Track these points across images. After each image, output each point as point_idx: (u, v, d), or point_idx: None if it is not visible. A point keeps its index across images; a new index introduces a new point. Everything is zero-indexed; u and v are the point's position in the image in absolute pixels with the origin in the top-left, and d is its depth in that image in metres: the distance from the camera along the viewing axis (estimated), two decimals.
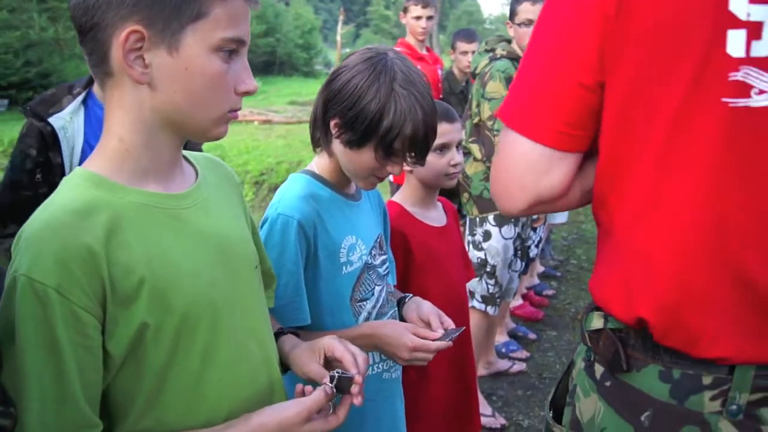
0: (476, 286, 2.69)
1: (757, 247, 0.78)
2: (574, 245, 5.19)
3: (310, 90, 19.58)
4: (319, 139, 1.24)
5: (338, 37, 25.64)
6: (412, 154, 1.19)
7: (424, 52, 3.64)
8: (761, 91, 0.74)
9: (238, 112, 0.85)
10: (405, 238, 1.53)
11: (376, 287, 1.29)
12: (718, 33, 0.75)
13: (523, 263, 2.91)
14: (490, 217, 2.62)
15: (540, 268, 4.33)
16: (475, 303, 2.71)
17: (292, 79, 21.36)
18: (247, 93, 0.82)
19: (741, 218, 0.78)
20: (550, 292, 4.07)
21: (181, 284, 0.79)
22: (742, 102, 0.75)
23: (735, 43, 0.74)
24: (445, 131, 1.57)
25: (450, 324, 1.21)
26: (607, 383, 0.90)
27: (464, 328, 1.20)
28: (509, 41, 2.67)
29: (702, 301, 0.80)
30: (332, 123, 1.17)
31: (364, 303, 1.26)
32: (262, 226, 1.19)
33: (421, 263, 1.55)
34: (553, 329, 3.58)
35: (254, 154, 8.98)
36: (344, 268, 1.23)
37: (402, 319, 1.33)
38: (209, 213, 0.87)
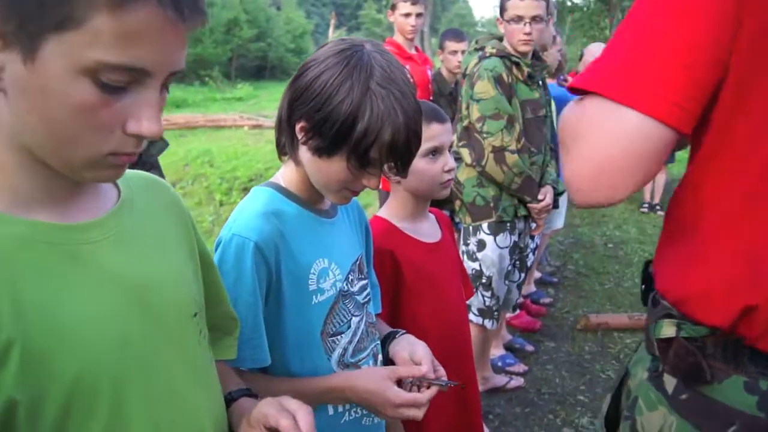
0: (472, 299, 2.53)
1: None
2: (571, 250, 5.04)
3: None
4: (285, 145, 1.08)
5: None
6: (392, 164, 1.02)
7: (413, 51, 3.48)
8: None
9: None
10: (394, 258, 1.36)
11: (353, 318, 1.13)
12: None
13: (523, 274, 2.76)
14: (484, 225, 2.47)
15: (536, 275, 4.18)
16: (471, 317, 2.56)
17: (284, 84, 21.00)
18: (142, 136, 0.61)
19: None
20: (547, 300, 3.92)
21: (70, 344, 0.61)
22: None
23: None
24: (437, 133, 1.39)
25: (443, 374, 1.05)
26: (683, 396, 0.83)
27: (463, 385, 1.04)
28: (501, 39, 2.52)
29: None
30: (298, 126, 1.01)
31: (339, 337, 1.10)
32: (216, 249, 1.02)
33: (413, 285, 1.38)
34: (552, 340, 3.42)
35: (243, 160, 8.81)
36: (314, 297, 1.06)
37: (386, 356, 1.17)
38: (127, 248, 0.69)
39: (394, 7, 3.44)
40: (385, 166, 1.03)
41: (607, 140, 0.75)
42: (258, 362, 0.99)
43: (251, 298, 0.97)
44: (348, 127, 0.96)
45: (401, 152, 1.00)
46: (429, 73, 3.55)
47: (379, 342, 1.19)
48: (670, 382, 0.85)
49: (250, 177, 8.31)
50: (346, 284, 1.12)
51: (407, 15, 3.38)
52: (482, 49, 2.47)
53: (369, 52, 0.99)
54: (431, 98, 3.51)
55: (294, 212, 1.07)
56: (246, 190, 8.81)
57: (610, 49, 0.77)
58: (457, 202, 2.53)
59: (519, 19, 2.38)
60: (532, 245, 3.28)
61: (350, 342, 1.11)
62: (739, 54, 0.70)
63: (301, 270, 1.04)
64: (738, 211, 0.77)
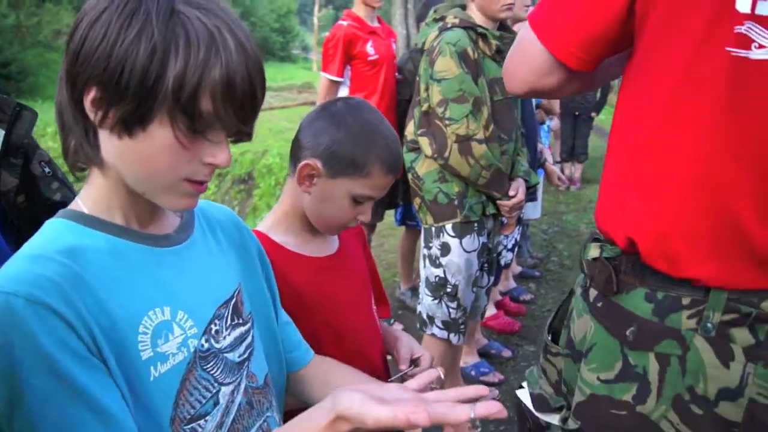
0: (435, 309, 2.22)
1: (747, 192, 0.88)
2: (555, 240, 4.74)
3: (286, 75, 18.98)
4: (76, 150, 0.72)
5: (315, 20, 24.87)
6: (235, 120, 0.68)
7: (375, 24, 3.11)
8: (760, 46, 0.84)
9: None
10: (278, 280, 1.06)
11: (222, 388, 0.79)
12: None
13: (492, 277, 2.44)
14: (448, 226, 2.14)
15: (516, 269, 3.88)
16: (435, 330, 2.24)
17: (268, 64, 20.66)
18: None
19: (733, 164, 0.87)
20: (528, 297, 3.62)
21: None
22: (743, 53, 0.84)
23: (743, 0, 0.84)
24: (385, 184, 1.13)
25: None
26: (599, 304, 1.03)
27: None
28: (463, 7, 2.16)
29: (690, 231, 0.91)
30: (88, 101, 0.67)
31: (202, 422, 0.76)
32: None
33: (295, 310, 1.08)
34: (532, 343, 3.13)
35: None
36: (152, 369, 0.73)
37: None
38: None
39: None
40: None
41: (522, 53, 1.04)
42: None
43: (51, 380, 0.63)
44: (158, 68, 0.63)
45: (242, 96, 0.67)
46: (394, 46, 3.19)
47: (271, 414, 0.87)
48: (593, 294, 1.05)
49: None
50: (207, 339, 0.78)
51: None
52: (443, 19, 2.12)
53: None
54: (403, 77, 3.13)
55: (103, 246, 0.72)
56: (221, 175, 8.49)
57: None
58: (417, 200, 2.20)
59: None
60: (506, 242, 2.97)
61: (221, 425, 0.78)
62: (644, 23, 0.92)
63: (122, 331, 0.70)
64: (638, 152, 0.96)
